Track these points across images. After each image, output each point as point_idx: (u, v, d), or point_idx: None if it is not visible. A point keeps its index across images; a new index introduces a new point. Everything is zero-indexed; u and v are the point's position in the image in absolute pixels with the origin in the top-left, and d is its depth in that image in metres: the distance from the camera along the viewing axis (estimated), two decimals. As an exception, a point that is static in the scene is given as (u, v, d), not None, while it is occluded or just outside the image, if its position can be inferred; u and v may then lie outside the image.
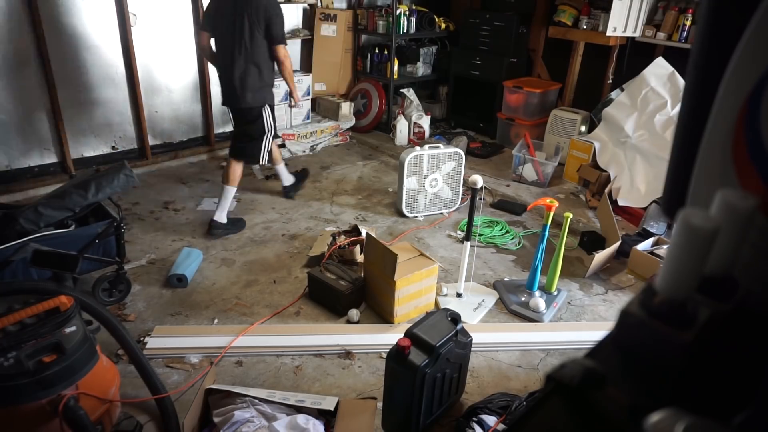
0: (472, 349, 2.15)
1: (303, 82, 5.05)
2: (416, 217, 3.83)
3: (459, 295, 2.90)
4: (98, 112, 4.15)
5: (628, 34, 4.36)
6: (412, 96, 5.38)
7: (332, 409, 1.94)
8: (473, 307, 2.82)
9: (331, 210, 3.93)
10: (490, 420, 1.95)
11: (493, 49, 5.14)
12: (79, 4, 3.84)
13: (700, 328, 0.45)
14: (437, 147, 3.71)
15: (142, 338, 2.49)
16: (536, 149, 4.44)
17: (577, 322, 2.79)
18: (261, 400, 1.93)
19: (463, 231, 3.52)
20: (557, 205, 2.74)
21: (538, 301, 2.79)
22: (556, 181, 4.40)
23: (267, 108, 3.38)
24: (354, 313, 2.69)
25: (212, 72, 4.66)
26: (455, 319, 2.03)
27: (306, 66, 5.15)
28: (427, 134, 5.22)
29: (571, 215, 2.80)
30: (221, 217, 3.43)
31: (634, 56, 4.56)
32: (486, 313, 2.81)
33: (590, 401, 0.44)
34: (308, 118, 5.22)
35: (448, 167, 3.77)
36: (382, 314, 2.72)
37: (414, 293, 2.67)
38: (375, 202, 4.08)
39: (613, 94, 4.49)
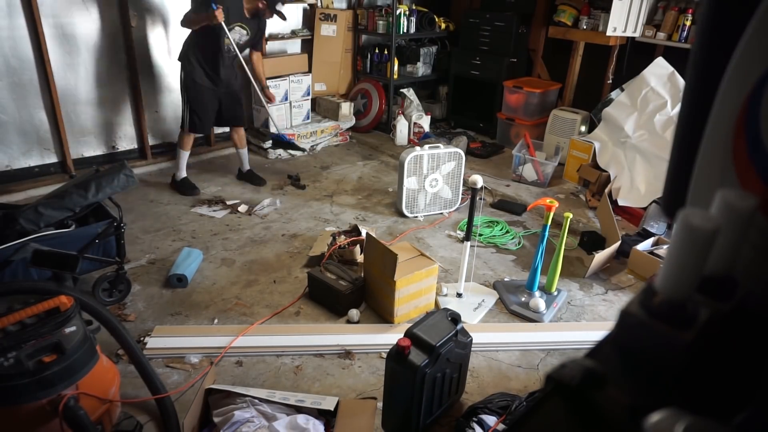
0: (472, 349, 2.15)
1: (303, 82, 5.05)
2: (416, 217, 3.83)
3: (459, 295, 2.90)
4: (98, 112, 4.15)
5: (628, 34, 4.36)
6: (412, 96, 5.38)
7: (332, 409, 1.94)
8: (473, 307, 2.82)
9: (331, 210, 3.93)
10: (490, 420, 1.95)
11: (493, 49, 5.14)
12: (79, 4, 3.84)
13: (700, 328, 0.45)
14: (437, 147, 3.71)
15: (142, 338, 2.49)
16: (536, 149, 4.44)
17: (577, 322, 2.79)
18: (261, 400, 1.93)
19: (463, 231, 3.52)
20: (557, 205, 2.74)
21: (538, 301, 2.79)
22: (556, 181, 4.40)
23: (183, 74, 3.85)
24: (354, 313, 2.69)
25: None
26: (455, 319, 2.03)
27: (306, 66, 5.15)
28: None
29: (571, 215, 2.80)
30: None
31: (634, 56, 4.56)
32: (486, 313, 2.81)
33: (590, 401, 0.44)
34: (308, 118, 5.22)
35: (448, 167, 3.77)
36: (382, 314, 2.72)
37: (414, 293, 2.67)
38: (375, 202, 4.08)
39: (613, 94, 4.49)
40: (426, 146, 3.69)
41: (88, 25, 3.91)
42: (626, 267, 3.25)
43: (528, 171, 4.36)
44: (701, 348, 0.44)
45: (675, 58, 4.06)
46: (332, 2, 5.34)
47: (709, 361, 0.47)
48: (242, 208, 3.84)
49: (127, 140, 4.39)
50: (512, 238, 3.60)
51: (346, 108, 5.28)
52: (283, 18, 3.90)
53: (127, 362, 2.17)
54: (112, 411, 1.74)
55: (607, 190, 3.87)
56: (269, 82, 4.76)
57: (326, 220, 3.76)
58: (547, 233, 2.77)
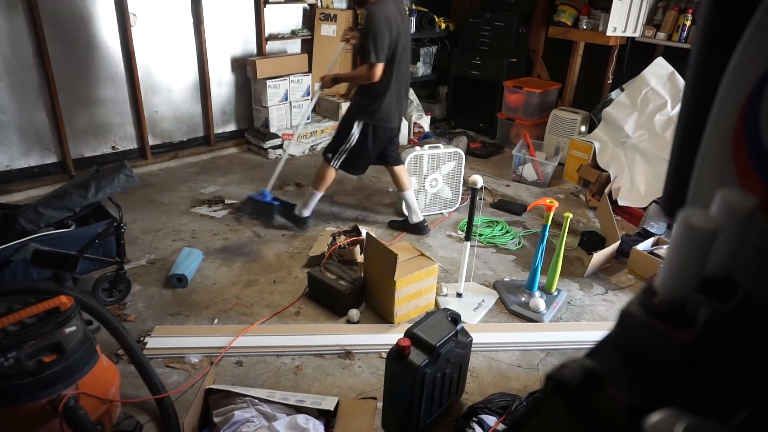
0: (472, 349, 2.15)
1: (303, 82, 5.05)
2: (416, 217, 3.83)
3: (459, 295, 2.90)
4: (98, 112, 4.15)
5: (628, 34, 4.36)
6: (412, 96, 5.38)
7: (332, 409, 1.94)
8: (473, 307, 2.82)
9: (331, 210, 3.93)
10: (490, 420, 1.95)
11: (493, 49, 5.14)
12: (79, 4, 3.84)
13: (700, 328, 0.45)
14: (437, 147, 3.71)
15: (142, 338, 2.49)
16: (536, 149, 4.44)
17: (577, 322, 2.79)
18: (261, 400, 1.93)
19: (463, 231, 3.52)
20: (557, 205, 2.74)
21: (538, 301, 2.79)
22: (556, 181, 4.40)
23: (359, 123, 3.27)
24: (354, 313, 2.69)
25: (212, 72, 4.68)
26: (455, 319, 2.03)
27: (306, 66, 5.15)
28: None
29: (571, 215, 2.80)
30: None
31: (634, 56, 4.56)
32: (486, 313, 2.81)
33: (590, 401, 0.44)
34: (308, 118, 5.22)
35: (448, 167, 3.77)
36: (382, 314, 2.72)
37: (414, 293, 2.67)
38: (375, 202, 4.08)
39: (613, 94, 4.49)
40: (426, 146, 3.69)
41: (88, 25, 3.91)
42: (626, 267, 3.24)
43: (528, 171, 4.36)
44: (701, 348, 0.44)
45: (675, 58, 4.06)
46: (332, 2, 5.34)
47: (709, 361, 0.47)
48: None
49: (127, 140, 4.39)
50: (512, 238, 3.60)
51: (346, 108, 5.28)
52: None
53: (127, 362, 2.17)
54: (112, 411, 1.74)
55: (607, 190, 3.87)
56: (269, 82, 4.77)
57: (326, 220, 3.76)
58: (547, 233, 2.77)
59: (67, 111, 3.97)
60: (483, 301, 2.88)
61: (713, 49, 0.53)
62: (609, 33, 4.26)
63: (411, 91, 5.41)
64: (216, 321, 2.67)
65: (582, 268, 3.26)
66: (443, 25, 5.64)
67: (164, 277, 2.97)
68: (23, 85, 3.74)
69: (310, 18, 5.30)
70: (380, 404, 2.08)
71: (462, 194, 3.94)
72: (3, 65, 3.62)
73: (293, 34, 5.18)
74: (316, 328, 2.65)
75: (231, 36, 4.76)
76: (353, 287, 2.72)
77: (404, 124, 5.15)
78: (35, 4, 3.58)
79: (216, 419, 1.88)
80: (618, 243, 3.21)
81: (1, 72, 3.63)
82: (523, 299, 2.87)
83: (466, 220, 2.87)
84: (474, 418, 1.97)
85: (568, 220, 2.78)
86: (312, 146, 5.07)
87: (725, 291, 0.48)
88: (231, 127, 5.06)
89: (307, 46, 5.34)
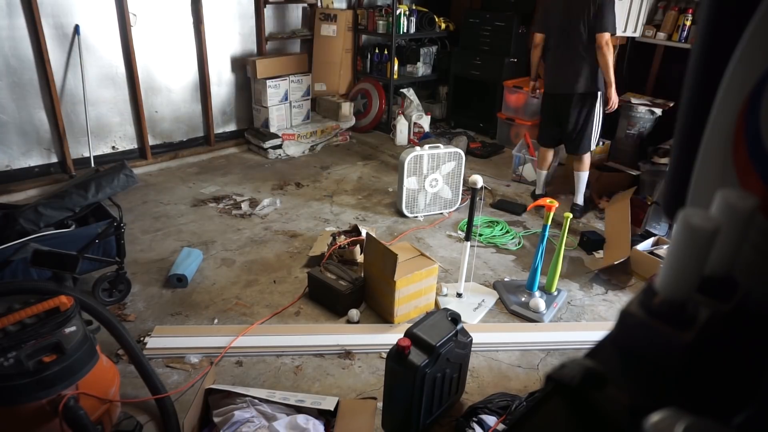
0: (472, 349, 2.15)
1: (303, 82, 5.05)
2: (416, 217, 3.83)
3: (459, 295, 2.90)
4: (98, 112, 4.15)
5: (628, 34, 4.35)
6: (412, 96, 5.38)
7: (332, 409, 1.95)
8: (473, 307, 2.82)
9: (331, 210, 3.93)
10: (490, 420, 1.95)
11: (493, 49, 5.14)
12: (79, 4, 3.84)
13: (700, 328, 0.45)
14: (437, 147, 3.71)
15: (142, 338, 2.49)
16: (536, 149, 4.44)
17: (577, 322, 2.79)
18: (261, 400, 1.93)
19: (463, 231, 3.52)
20: (557, 205, 2.73)
21: (538, 301, 2.79)
22: (556, 181, 4.39)
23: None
24: (354, 313, 2.69)
25: (212, 72, 4.68)
26: (455, 319, 2.03)
27: (306, 66, 5.16)
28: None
29: (571, 215, 2.80)
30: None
31: (634, 56, 4.55)
32: (486, 313, 2.81)
33: (590, 401, 0.44)
34: (308, 118, 5.22)
35: (448, 167, 3.77)
36: (382, 314, 2.72)
37: (414, 293, 2.67)
38: (375, 202, 4.08)
39: (613, 94, 4.48)
40: (426, 146, 3.69)
41: (87, 25, 3.91)
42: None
43: (528, 171, 4.35)
44: (701, 348, 0.44)
45: (675, 58, 4.06)
46: (332, 2, 5.34)
47: (709, 361, 0.47)
48: (242, 208, 3.84)
49: (127, 140, 4.39)
50: (512, 238, 3.60)
51: (346, 108, 5.28)
52: None
53: (127, 362, 2.17)
54: (112, 411, 1.74)
55: (628, 197, 3.69)
56: (269, 82, 4.77)
57: (326, 220, 3.76)
58: (547, 233, 2.77)
59: (67, 111, 3.98)
60: (483, 301, 2.88)
61: (713, 49, 0.53)
62: (609, 33, 4.25)
63: (411, 91, 5.42)
64: (216, 321, 2.67)
65: (582, 268, 3.25)
66: (443, 25, 5.63)
67: (164, 277, 2.97)
68: (23, 85, 3.74)
69: (310, 18, 5.30)
70: (380, 404, 2.08)
71: (462, 194, 3.94)
72: (3, 65, 3.62)
73: (293, 34, 5.18)
74: (316, 328, 2.65)
75: (231, 36, 4.77)
76: (353, 287, 2.72)
77: (404, 124, 5.15)
78: (35, 4, 3.58)
79: (216, 419, 1.88)
80: (626, 257, 3.11)
81: (1, 72, 3.63)
82: (523, 299, 2.87)
83: (466, 220, 2.87)
84: (474, 418, 1.97)
85: (568, 220, 2.78)
86: (312, 146, 5.07)
87: (725, 291, 0.48)
88: (231, 127, 5.06)
89: (307, 46, 5.35)
